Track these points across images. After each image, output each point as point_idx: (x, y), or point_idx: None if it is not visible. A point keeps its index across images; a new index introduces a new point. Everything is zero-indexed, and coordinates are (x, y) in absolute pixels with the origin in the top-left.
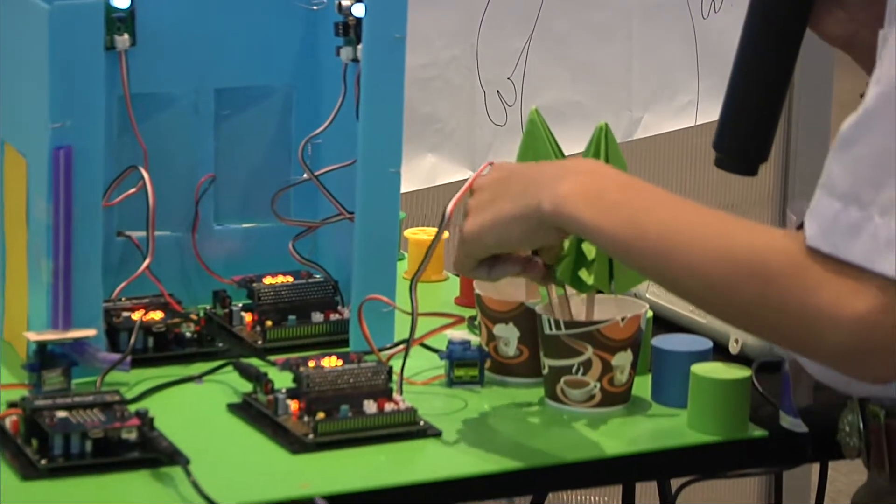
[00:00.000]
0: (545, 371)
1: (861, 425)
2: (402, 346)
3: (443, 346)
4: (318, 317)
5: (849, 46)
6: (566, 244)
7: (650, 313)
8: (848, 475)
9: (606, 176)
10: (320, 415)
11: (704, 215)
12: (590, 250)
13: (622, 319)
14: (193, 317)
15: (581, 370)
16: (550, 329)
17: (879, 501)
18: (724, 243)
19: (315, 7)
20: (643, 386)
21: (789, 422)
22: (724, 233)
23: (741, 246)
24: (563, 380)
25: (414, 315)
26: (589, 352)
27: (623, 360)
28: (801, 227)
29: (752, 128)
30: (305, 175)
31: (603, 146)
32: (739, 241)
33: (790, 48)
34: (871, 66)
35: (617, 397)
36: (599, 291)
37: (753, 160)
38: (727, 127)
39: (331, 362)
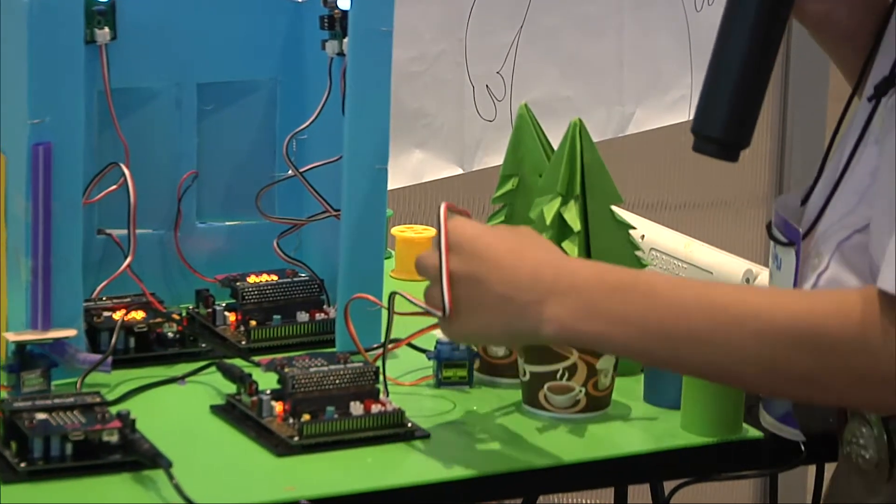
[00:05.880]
0: (525, 378)
1: (886, 437)
2: (390, 347)
3: (431, 347)
4: (303, 316)
5: (820, 25)
6: None
7: None
8: None
9: (587, 285)
10: (306, 416)
11: (718, 299)
12: (571, 249)
13: None
14: (176, 316)
15: (566, 375)
16: None
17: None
18: (764, 323)
19: (300, 0)
20: (636, 387)
21: (779, 427)
22: (757, 311)
23: (785, 319)
24: (546, 386)
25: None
26: (574, 356)
27: (607, 363)
28: (768, 227)
29: (733, 109)
30: (290, 171)
31: (578, 143)
32: (782, 315)
33: (774, 23)
34: (838, 50)
35: (600, 401)
36: None
37: (733, 144)
38: (706, 108)
39: (316, 362)
